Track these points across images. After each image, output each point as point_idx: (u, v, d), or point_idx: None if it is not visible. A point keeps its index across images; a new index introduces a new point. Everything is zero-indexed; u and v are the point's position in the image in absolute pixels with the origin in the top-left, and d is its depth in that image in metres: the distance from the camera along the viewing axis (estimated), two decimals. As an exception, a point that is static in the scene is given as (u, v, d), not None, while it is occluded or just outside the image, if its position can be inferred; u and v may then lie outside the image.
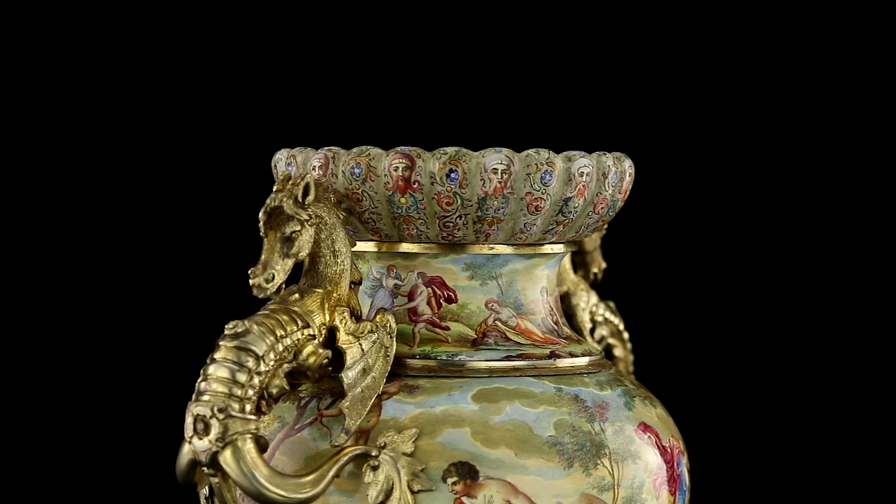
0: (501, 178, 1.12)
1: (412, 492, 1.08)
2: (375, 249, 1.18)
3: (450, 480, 1.08)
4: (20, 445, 1.73)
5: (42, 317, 1.75)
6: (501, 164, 1.11)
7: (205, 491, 1.14)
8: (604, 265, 1.48)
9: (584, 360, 1.20)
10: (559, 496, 1.10)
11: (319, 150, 1.15)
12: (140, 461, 1.72)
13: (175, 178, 1.76)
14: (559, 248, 1.20)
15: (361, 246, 1.18)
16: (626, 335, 1.49)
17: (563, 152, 1.14)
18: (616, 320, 1.48)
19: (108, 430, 1.75)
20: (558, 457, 1.10)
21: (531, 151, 1.12)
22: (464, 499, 1.08)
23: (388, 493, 1.08)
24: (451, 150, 1.11)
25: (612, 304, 1.49)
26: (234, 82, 1.75)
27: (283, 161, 1.20)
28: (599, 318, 1.45)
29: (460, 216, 1.13)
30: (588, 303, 1.43)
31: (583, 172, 1.15)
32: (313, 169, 1.15)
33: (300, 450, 1.12)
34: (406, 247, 1.17)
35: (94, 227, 1.76)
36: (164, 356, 1.74)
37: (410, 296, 1.18)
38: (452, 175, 1.11)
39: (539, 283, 1.21)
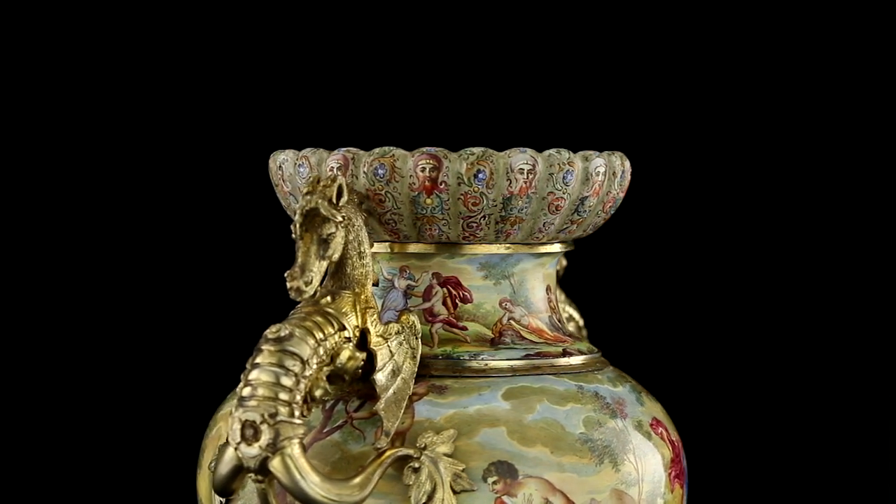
0: (527, 178, 1.12)
1: (454, 492, 1.08)
2: (388, 250, 1.17)
3: (490, 480, 1.08)
4: (31, 452, 1.72)
5: (41, 321, 1.73)
6: (527, 164, 1.12)
7: (221, 500, 1.12)
8: (564, 262, 1.50)
9: (589, 357, 1.21)
10: (592, 492, 1.11)
11: (337, 151, 1.14)
12: (142, 467, 1.69)
13: (166, 180, 1.74)
14: (562, 246, 1.22)
15: (374, 247, 1.17)
16: (584, 332, 1.51)
17: (579, 152, 1.16)
18: (577, 316, 1.50)
19: (110, 436, 1.73)
20: (590, 454, 1.12)
21: (552, 151, 1.14)
22: (504, 498, 1.08)
23: (431, 495, 1.08)
24: (477, 150, 1.12)
25: (572, 302, 1.51)
26: (217, 84, 1.72)
27: (289, 162, 1.18)
28: (565, 315, 1.47)
29: (484, 216, 1.13)
30: (560, 300, 1.45)
31: (598, 172, 1.17)
32: (331, 170, 1.14)
33: (329, 453, 1.11)
34: (422, 247, 1.16)
35: (86, 230, 1.73)
36: (158, 356, 1.71)
37: (425, 296, 1.18)
38: (480, 175, 1.11)
39: (544, 282, 1.22)
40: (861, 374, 1.73)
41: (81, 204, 1.72)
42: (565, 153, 1.14)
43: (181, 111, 1.72)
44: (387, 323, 1.12)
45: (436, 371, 1.14)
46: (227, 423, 1.19)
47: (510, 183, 1.12)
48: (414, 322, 1.13)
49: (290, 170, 1.18)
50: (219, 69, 1.71)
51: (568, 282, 1.51)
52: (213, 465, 1.17)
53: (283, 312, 1.20)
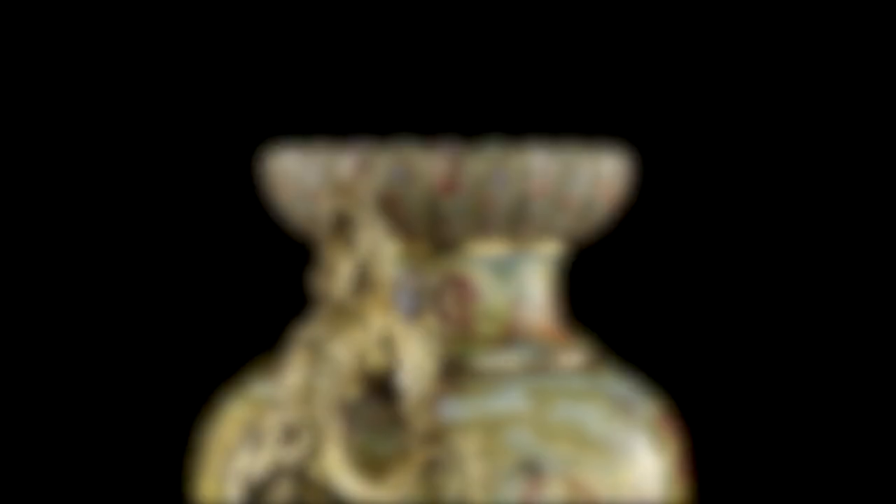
0: (544, 177, 1.13)
1: (483, 492, 1.08)
2: (397, 251, 1.17)
3: (518, 479, 1.09)
4: (32, 453, 1.70)
5: (36, 322, 1.70)
6: (544, 163, 1.13)
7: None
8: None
9: (591, 356, 1.22)
10: (614, 489, 1.12)
11: (350, 150, 1.13)
12: (139, 468, 1.69)
13: (156, 179, 1.71)
14: (564, 245, 1.23)
15: (384, 247, 1.16)
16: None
17: (590, 150, 1.17)
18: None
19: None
20: (610, 451, 1.13)
21: (567, 150, 1.14)
22: (532, 497, 1.09)
23: (460, 495, 1.08)
24: (496, 149, 1.12)
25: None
26: (205, 83, 1.70)
27: (293, 160, 1.17)
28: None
29: (500, 216, 1.13)
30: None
31: (608, 170, 1.18)
32: (343, 169, 1.13)
33: (353, 455, 1.10)
34: (432, 247, 1.16)
35: (80, 228, 1.70)
36: (151, 358, 1.70)
37: (435, 297, 1.17)
38: (499, 175, 1.11)
39: (548, 281, 1.23)
40: (869, 370, 1.72)
41: (74, 199, 1.70)
42: (579, 152, 1.14)
43: (171, 111, 1.69)
44: (407, 324, 1.12)
45: (452, 371, 1.14)
46: (233, 427, 1.17)
47: (529, 182, 1.12)
48: (431, 322, 1.13)
49: (295, 167, 1.16)
50: (208, 70, 1.69)
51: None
52: (225, 469, 1.16)
53: (277, 313, 1.20)
